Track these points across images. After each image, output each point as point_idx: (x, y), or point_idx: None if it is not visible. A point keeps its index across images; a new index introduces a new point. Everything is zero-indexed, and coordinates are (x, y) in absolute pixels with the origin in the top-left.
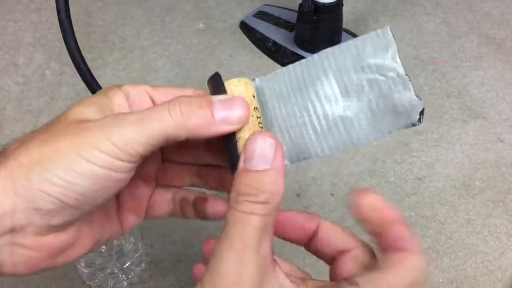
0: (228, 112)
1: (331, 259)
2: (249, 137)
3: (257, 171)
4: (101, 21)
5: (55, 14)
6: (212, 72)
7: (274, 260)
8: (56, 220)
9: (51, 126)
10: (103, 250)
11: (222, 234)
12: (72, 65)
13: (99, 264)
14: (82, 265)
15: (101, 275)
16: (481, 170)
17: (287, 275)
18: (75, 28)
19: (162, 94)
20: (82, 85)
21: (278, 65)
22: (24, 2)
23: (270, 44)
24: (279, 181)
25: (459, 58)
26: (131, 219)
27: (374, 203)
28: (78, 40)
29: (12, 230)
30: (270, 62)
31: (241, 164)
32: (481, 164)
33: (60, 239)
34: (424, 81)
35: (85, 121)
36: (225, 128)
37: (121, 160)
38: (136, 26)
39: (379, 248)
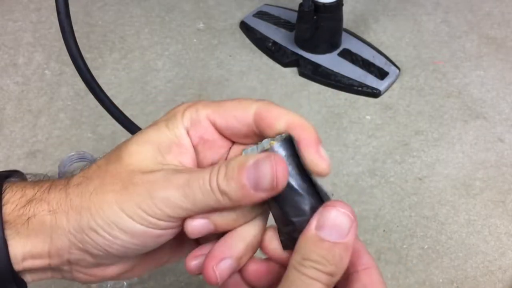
0: (258, 177)
1: None
2: (325, 204)
3: (329, 241)
4: (100, 21)
5: (55, 14)
6: (212, 72)
7: None
8: (106, 261)
9: (109, 166)
10: None
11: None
12: (72, 65)
13: None
14: None
15: None
16: (481, 170)
17: None
18: (75, 28)
19: (223, 118)
20: (82, 85)
21: (278, 65)
22: (24, 2)
23: (270, 44)
24: (347, 257)
25: (460, 58)
26: (187, 247)
27: None
28: (77, 40)
29: (69, 261)
30: (270, 62)
31: (312, 229)
32: (482, 164)
33: (114, 270)
34: (424, 81)
35: (138, 169)
36: (262, 196)
37: (162, 220)
38: (136, 26)
39: None
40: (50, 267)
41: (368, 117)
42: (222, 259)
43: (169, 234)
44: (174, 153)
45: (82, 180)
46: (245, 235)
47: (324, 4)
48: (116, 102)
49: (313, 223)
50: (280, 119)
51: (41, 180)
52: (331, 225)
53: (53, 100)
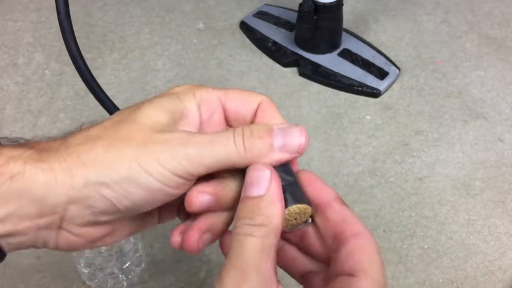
0: (287, 139)
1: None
2: (248, 168)
3: (253, 197)
4: (100, 21)
5: (55, 14)
6: (212, 72)
7: (279, 282)
8: (103, 218)
9: (119, 126)
10: (103, 250)
11: (226, 258)
12: (72, 65)
13: (99, 264)
14: (82, 265)
15: (101, 275)
16: (481, 170)
17: None
18: (75, 28)
19: (233, 102)
20: (82, 85)
21: (278, 65)
22: (24, 2)
23: (270, 44)
24: (274, 206)
25: (460, 58)
26: (169, 216)
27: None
28: (77, 40)
29: (62, 218)
30: (270, 62)
31: (242, 194)
32: (482, 164)
33: (101, 230)
34: (424, 81)
35: (154, 130)
36: (285, 156)
37: (180, 177)
38: (136, 26)
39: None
40: (36, 229)
41: (368, 117)
42: (206, 231)
43: (177, 194)
44: (184, 123)
45: (86, 140)
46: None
47: (324, 4)
48: (116, 102)
49: (243, 189)
50: (275, 120)
51: (23, 143)
52: (252, 183)
53: (53, 100)
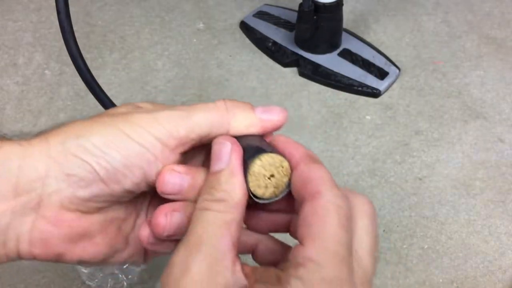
0: (268, 111)
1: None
2: (212, 142)
3: (214, 172)
4: (100, 21)
5: (55, 14)
6: (212, 72)
7: (238, 258)
8: (82, 193)
9: (92, 118)
10: None
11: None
12: (72, 65)
13: None
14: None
15: (100, 275)
16: (481, 170)
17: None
18: (74, 28)
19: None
20: (82, 85)
21: (278, 65)
22: (24, 2)
23: (270, 44)
24: (234, 180)
25: (460, 58)
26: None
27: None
28: (77, 40)
29: (40, 197)
30: (270, 62)
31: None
32: (482, 164)
33: (79, 222)
34: (424, 81)
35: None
36: (267, 125)
37: (160, 141)
38: (136, 26)
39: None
40: (10, 213)
41: (368, 117)
42: (175, 211)
43: (155, 165)
44: None
45: (61, 128)
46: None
47: (324, 4)
48: (116, 102)
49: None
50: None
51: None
52: (214, 157)
53: (53, 100)
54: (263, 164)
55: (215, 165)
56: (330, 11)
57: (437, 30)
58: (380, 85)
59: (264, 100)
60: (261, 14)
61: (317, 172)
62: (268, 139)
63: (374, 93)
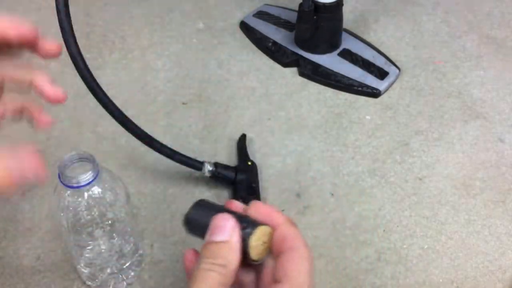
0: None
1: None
2: (215, 216)
3: (217, 242)
4: (101, 21)
5: (55, 14)
6: (212, 72)
7: None
8: None
9: None
10: (103, 250)
11: (189, 284)
12: (72, 65)
13: (99, 264)
14: (82, 265)
15: (101, 275)
16: (481, 170)
17: None
18: (75, 28)
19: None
20: (82, 85)
21: (278, 65)
22: (24, 2)
23: (270, 44)
24: (234, 252)
25: (460, 58)
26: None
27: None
28: (77, 40)
29: None
30: (270, 62)
31: (206, 237)
32: (482, 164)
33: None
34: (424, 81)
35: None
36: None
37: None
38: (136, 26)
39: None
40: None
41: (368, 117)
42: None
43: None
44: None
45: None
46: None
47: (324, 4)
48: (116, 102)
49: (208, 233)
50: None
51: None
52: (217, 229)
53: None
54: (258, 237)
55: (218, 236)
56: (330, 11)
57: (437, 30)
58: (380, 85)
59: (264, 100)
60: (261, 14)
61: (294, 231)
62: (252, 209)
63: (374, 93)
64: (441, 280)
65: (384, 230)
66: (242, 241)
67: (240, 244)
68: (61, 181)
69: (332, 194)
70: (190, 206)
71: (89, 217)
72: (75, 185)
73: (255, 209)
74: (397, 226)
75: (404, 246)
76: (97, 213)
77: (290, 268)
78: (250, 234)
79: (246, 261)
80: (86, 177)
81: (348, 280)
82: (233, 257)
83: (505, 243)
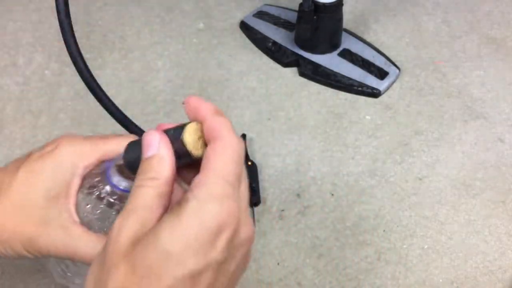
0: None
1: None
2: (142, 137)
3: (147, 157)
4: (101, 21)
5: (55, 14)
6: (212, 72)
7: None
8: None
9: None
10: None
11: None
12: (72, 65)
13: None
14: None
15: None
16: (481, 170)
17: None
18: (75, 28)
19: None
20: (82, 85)
21: (278, 65)
22: (24, 2)
23: (270, 44)
24: (164, 163)
25: (460, 58)
26: None
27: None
28: (78, 40)
29: None
30: (270, 62)
31: (142, 157)
32: (482, 164)
33: None
34: (424, 81)
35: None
36: None
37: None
38: (136, 26)
39: None
40: None
41: (368, 117)
42: None
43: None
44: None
45: None
46: None
47: (324, 4)
48: (116, 102)
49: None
50: None
51: None
52: (146, 146)
53: (53, 100)
54: (190, 132)
55: (148, 152)
56: (330, 11)
57: (437, 30)
58: (380, 85)
59: (264, 100)
60: (261, 14)
61: (219, 121)
62: (187, 104)
63: (374, 93)
64: (441, 280)
65: (384, 230)
66: (176, 143)
67: (170, 153)
68: None
69: (332, 194)
70: (123, 151)
71: None
72: None
73: (187, 105)
74: (397, 226)
75: (404, 246)
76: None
77: (211, 158)
78: (180, 133)
79: (190, 161)
80: None
81: (348, 280)
82: (163, 167)
83: (505, 243)
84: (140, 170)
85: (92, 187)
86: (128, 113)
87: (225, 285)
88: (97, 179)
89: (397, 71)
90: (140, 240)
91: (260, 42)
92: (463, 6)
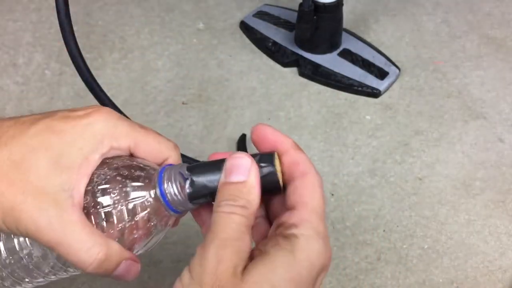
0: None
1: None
2: (229, 157)
3: (236, 182)
4: (101, 21)
5: (55, 14)
6: (212, 72)
7: (253, 252)
8: None
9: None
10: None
11: (208, 232)
12: (72, 65)
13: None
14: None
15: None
16: (481, 170)
17: None
18: (75, 28)
19: (142, 153)
20: (82, 85)
21: (278, 65)
22: (24, 2)
23: (270, 44)
24: (254, 191)
25: (460, 58)
26: None
27: (263, 133)
28: (78, 40)
29: None
30: (270, 62)
31: (222, 179)
32: (482, 164)
33: None
34: (424, 81)
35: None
36: None
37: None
38: (136, 26)
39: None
40: None
41: (368, 117)
42: None
43: None
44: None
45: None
46: None
47: (324, 4)
48: (116, 102)
49: (223, 175)
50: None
51: None
52: (233, 168)
53: (53, 100)
54: (277, 163)
55: (236, 176)
56: (330, 11)
57: (437, 30)
58: (380, 85)
59: (264, 100)
60: (261, 14)
61: (304, 157)
62: (258, 131)
63: (374, 93)
64: (441, 280)
65: (384, 230)
66: (264, 175)
67: (259, 181)
68: None
69: (332, 194)
70: (184, 170)
71: None
72: None
73: (256, 132)
74: (397, 226)
75: (404, 246)
76: None
77: (305, 194)
78: (268, 161)
79: (269, 195)
80: None
81: (348, 280)
82: (254, 196)
83: (505, 243)
84: (227, 194)
85: (117, 176)
86: (128, 113)
87: None
88: (126, 172)
89: (397, 71)
90: (249, 274)
91: (260, 42)
92: (463, 6)
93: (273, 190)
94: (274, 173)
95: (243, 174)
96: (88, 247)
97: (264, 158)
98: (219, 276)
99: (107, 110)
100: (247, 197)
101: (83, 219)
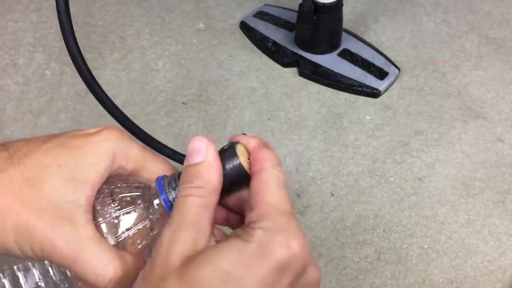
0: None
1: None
2: (188, 142)
3: (193, 164)
4: (101, 21)
5: (55, 14)
6: (212, 72)
7: (213, 234)
8: None
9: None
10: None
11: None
12: (72, 65)
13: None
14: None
15: None
16: (481, 170)
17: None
18: (75, 28)
19: (145, 174)
20: (82, 85)
21: (278, 65)
22: (24, 2)
23: (270, 44)
24: (212, 170)
25: (459, 58)
26: None
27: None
28: (78, 40)
29: None
30: (270, 62)
31: (184, 163)
32: (481, 164)
33: None
34: (424, 81)
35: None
36: None
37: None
38: (136, 26)
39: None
40: None
41: (368, 117)
42: None
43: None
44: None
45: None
46: None
47: (324, 4)
48: (116, 102)
49: (185, 159)
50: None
51: None
52: (191, 152)
53: (54, 100)
54: (240, 150)
55: (194, 158)
56: (330, 11)
57: (437, 30)
58: (380, 85)
59: (264, 100)
60: (261, 14)
61: (266, 154)
62: (233, 138)
63: (374, 93)
64: (441, 280)
65: (384, 230)
66: (226, 156)
67: (218, 160)
68: None
69: (332, 194)
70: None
71: None
72: None
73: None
74: (397, 226)
75: (404, 246)
76: None
77: (260, 191)
78: (234, 145)
79: (238, 182)
80: None
81: (348, 280)
82: (211, 175)
83: (505, 243)
84: (185, 177)
85: (122, 188)
86: (128, 113)
87: None
88: (126, 184)
89: (397, 71)
90: (195, 258)
91: (260, 42)
92: (462, 6)
93: (240, 175)
94: (234, 153)
95: (201, 155)
96: (105, 263)
97: (228, 144)
98: (170, 258)
99: (119, 129)
100: (205, 177)
101: (98, 234)
